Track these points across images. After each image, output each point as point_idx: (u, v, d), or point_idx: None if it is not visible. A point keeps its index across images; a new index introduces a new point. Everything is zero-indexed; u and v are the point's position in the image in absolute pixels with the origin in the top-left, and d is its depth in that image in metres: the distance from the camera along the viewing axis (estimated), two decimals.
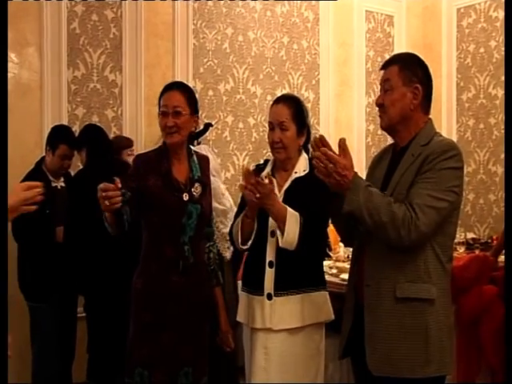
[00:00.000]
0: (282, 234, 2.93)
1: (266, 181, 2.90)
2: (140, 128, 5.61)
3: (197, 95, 3.29)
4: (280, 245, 2.96)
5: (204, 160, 3.31)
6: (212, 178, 3.92)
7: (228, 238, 4.01)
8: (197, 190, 3.15)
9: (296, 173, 3.12)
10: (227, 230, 4.00)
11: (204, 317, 3.17)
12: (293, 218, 2.94)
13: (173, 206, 3.07)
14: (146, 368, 3.04)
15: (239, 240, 3.08)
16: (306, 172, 3.10)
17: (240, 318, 3.21)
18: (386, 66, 2.75)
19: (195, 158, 3.24)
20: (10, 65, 5.04)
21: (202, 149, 4.38)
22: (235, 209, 4.14)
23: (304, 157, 3.16)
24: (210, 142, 5.89)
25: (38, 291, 4.46)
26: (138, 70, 5.59)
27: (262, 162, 3.43)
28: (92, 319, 4.38)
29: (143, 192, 3.05)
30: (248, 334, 3.19)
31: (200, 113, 5.79)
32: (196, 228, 3.12)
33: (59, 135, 4.53)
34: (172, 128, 3.04)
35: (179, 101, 3.07)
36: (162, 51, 5.77)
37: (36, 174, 4.49)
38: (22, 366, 4.66)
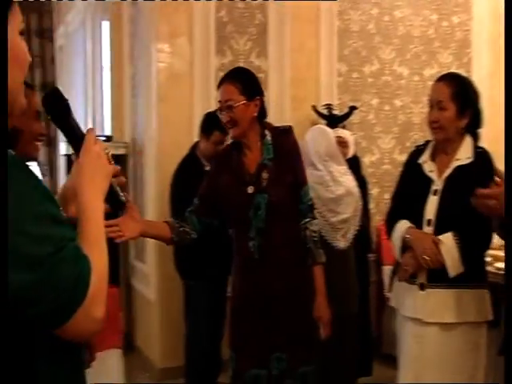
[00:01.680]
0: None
1: None
2: (285, 112, 5.71)
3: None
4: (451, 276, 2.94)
5: (281, 135, 3.21)
6: (324, 163, 4.04)
7: (338, 227, 4.07)
8: (265, 177, 3.09)
9: (458, 159, 3.04)
10: (336, 218, 4.05)
11: (296, 304, 3.12)
12: (449, 251, 2.92)
13: (237, 201, 3.11)
14: (235, 352, 3.17)
15: (398, 250, 3.13)
16: (471, 160, 3.02)
17: (392, 302, 3.28)
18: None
19: (269, 138, 3.14)
20: (162, 55, 5.40)
21: (314, 129, 4.35)
22: (354, 190, 4.14)
23: (468, 142, 3.07)
24: (355, 126, 5.94)
25: (193, 270, 4.66)
26: (282, 55, 5.74)
27: (422, 142, 3.36)
28: None
29: (216, 192, 3.16)
30: (401, 319, 3.20)
31: (344, 96, 6.03)
32: (267, 217, 3.06)
33: (213, 122, 4.53)
34: (229, 123, 3.06)
35: (230, 93, 3.04)
36: (306, 35, 5.88)
37: (190, 158, 4.69)
38: (178, 340, 5.00)
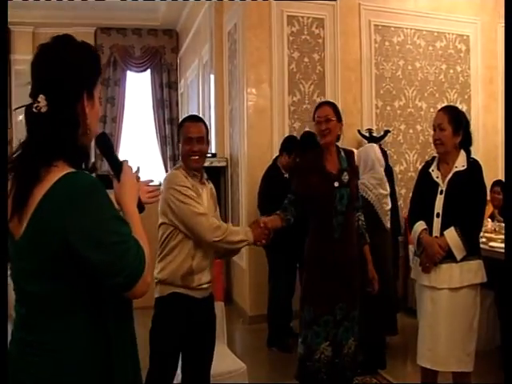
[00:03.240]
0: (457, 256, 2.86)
1: None
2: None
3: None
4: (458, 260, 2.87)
5: (350, 154, 3.18)
6: (381, 168, 3.97)
7: (387, 213, 3.96)
8: (345, 177, 3.02)
9: (456, 167, 2.92)
10: (388, 207, 3.94)
11: (355, 268, 3.07)
12: (453, 243, 2.83)
13: (327, 192, 2.99)
14: (312, 305, 3.03)
15: (415, 245, 3.03)
16: (465, 168, 2.91)
17: (412, 275, 3.14)
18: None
19: (343, 153, 3.09)
20: (251, 96, 5.33)
21: (372, 146, 4.16)
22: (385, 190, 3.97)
23: (462, 155, 2.95)
24: (388, 144, 5.77)
25: (275, 246, 4.47)
26: (336, 94, 5.56)
27: (429, 159, 3.24)
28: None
29: (307, 187, 3.02)
30: (419, 287, 3.07)
31: (380, 123, 5.78)
32: (347, 205, 3.00)
33: (293, 142, 4.60)
34: (325, 130, 2.97)
35: (328, 111, 2.99)
36: (353, 80, 5.71)
37: (273, 168, 4.62)
38: (262, 296, 4.90)
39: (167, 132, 9.45)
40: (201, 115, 7.51)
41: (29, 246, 1.33)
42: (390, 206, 3.98)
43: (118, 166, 1.52)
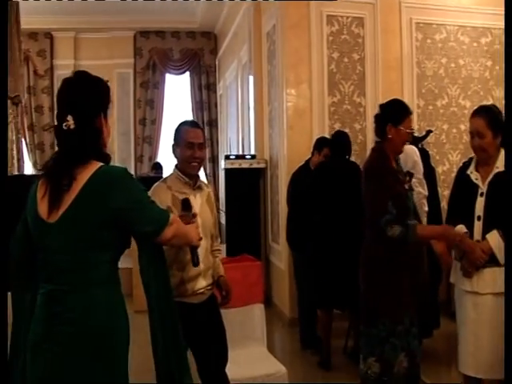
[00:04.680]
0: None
1: None
2: None
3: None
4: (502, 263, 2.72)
5: (399, 159, 3.14)
6: (421, 171, 3.96)
7: (425, 216, 3.89)
8: (408, 180, 3.00)
9: (497, 168, 2.78)
10: (426, 208, 3.89)
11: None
12: (497, 246, 2.71)
13: (404, 193, 2.93)
14: (385, 318, 2.91)
15: (455, 249, 2.92)
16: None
17: (451, 279, 2.99)
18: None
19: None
20: (290, 97, 5.35)
21: (412, 148, 4.10)
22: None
23: (503, 153, 2.79)
24: (431, 145, 5.67)
25: (299, 246, 4.58)
26: (376, 94, 5.49)
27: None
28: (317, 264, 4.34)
29: (387, 190, 2.88)
30: (458, 292, 2.92)
31: (422, 123, 5.72)
32: (414, 209, 3.04)
33: (324, 142, 4.59)
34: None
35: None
36: (394, 79, 5.63)
37: (304, 168, 4.65)
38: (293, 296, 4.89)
39: (206, 134, 9.56)
40: (240, 116, 7.59)
41: (72, 221, 1.67)
42: (427, 209, 3.93)
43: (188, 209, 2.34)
